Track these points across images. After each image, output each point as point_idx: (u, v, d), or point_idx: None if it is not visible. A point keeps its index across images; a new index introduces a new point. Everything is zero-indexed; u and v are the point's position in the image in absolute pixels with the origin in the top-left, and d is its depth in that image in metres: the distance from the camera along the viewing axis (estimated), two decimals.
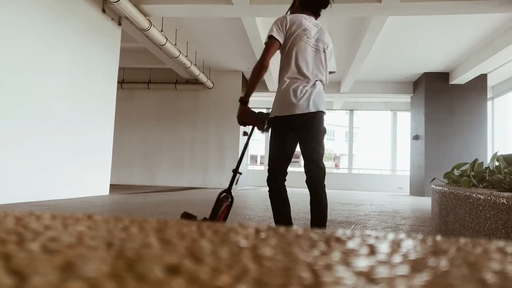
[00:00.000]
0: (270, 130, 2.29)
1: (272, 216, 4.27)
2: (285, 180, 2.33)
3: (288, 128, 2.21)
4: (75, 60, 5.85)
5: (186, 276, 0.22)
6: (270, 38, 2.24)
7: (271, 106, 2.40)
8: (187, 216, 2.20)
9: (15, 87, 4.66)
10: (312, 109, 2.16)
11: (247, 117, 2.29)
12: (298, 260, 0.27)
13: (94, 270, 0.22)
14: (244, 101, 2.27)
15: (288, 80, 2.23)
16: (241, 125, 2.36)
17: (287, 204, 2.27)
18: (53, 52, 5.38)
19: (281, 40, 2.25)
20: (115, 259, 0.25)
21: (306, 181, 2.30)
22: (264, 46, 2.30)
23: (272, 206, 2.27)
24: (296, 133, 2.22)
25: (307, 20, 2.32)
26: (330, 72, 2.40)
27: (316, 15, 2.47)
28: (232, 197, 2.31)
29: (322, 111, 2.22)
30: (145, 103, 11.84)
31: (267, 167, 2.31)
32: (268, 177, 2.27)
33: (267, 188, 2.29)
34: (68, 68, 5.67)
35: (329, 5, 2.47)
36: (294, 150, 2.32)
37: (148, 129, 11.76)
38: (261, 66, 2.21)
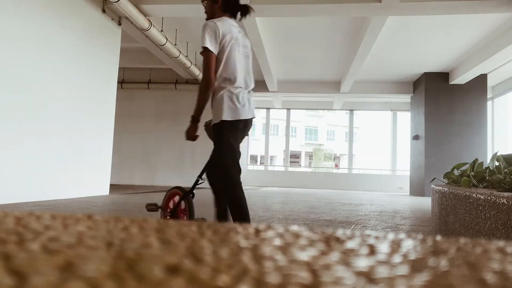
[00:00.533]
0: (218, 134, 2.34)
1: (272, 216, 4.26)
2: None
3: (237, 132, 2.29)
4: (75, 60, 5.85)
5: (186, 276, 0.22)
6: (206, 50, 2.20)
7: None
8: (150, 206, 2.35)
9: (15, 87, 4.66)
10: (250, 115, 2.31)
11: (195, 134, 2.43)
12: (298, 260, 0.27)
13: (94, 270, 0.22)
14: (196, 119, 2.40)
15: (229, 88, 2.28)
16: (188, 140, 2.47)
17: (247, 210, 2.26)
18: (53, 52, 5.38)
19: (216, 52, 2.23)
20: (115, 259, 0.25)
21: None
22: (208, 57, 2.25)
23: (238, 216, 2.20)
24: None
25: (234, 27, 2.31)
26: None
27: (235, 18, 2.40)
28: (190, 196, 2.58)
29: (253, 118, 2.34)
30: (145, 103, 11.84)
31: (220, 175, 2.35)
32: (229, 183, 2.25)
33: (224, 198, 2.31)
34: (68, 68, 5.67)
35: (248, 14, 2.40)
36: None
37: (148, 129, 11.76)
38: (207, 85, 2.27)
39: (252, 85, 2.40)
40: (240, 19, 2.40)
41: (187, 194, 2.64)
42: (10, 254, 0.25)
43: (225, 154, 2.30)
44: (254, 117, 2.35)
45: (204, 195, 5.33)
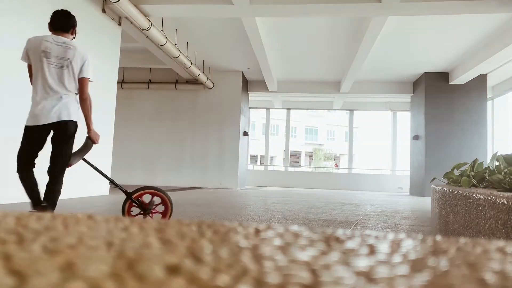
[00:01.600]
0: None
1: (272, 216, 4.26)
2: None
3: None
4: None
5: (186, 276, 0.22)
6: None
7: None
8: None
9: (15, 87, 4.66)
10: (55, 119, 2.64)
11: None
12: (298, 260, 0.27)
13: (94, 270, 0.22)
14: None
15: (37, 96, 2.64)
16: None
17: None
18: None
19: (28, 62, 2.69)
20: (115, 259, 0.25)
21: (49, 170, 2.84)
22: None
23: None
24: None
25: (48, 42, 2.64)
26: (83, 79, 2.76)
27: (65, 33, 2.75)
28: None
29: (65, 121, 2.66)
30: (145, 103, 11.84)
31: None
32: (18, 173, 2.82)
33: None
34: None
35: (72, 29, 2.79)
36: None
37: (148, 129, 11.76)
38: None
39: (64, 92, 2.69)
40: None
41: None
42: (10, 254, 0.25)
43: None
44: (59, 121, 2.66)
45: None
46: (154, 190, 3.18)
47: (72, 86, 2.74)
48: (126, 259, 0.25)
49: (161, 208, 3.23)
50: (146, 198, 3.17)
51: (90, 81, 2.78)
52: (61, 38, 2.71)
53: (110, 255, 0.26)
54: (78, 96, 2.78)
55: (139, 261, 0.25)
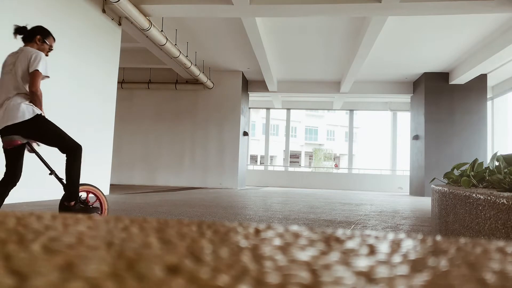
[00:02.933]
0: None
1: (272, 216, 4.26)
2: None
3: None
4: (75, 60, 5.85)
5: (186, 276, 0.22)
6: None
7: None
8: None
9: None
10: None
11: None
12: (298, 260, 0.27)
13: (94, 270, 0.22)
14: None
15: None
16: None
17: None
18: (53, 52, 5.36)
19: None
20: (115, 259, 0.25)
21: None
22: None
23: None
24: None
25: (8, 56, 2.92)
26: (33, 73, 2.78)
27: (25, 41, 2.99)
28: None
29: (19, 123, 2.72)
30: (145, 103, 11.84)
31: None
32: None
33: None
34: (68, 68, 5.67)
35: (15, 36, 3.02)
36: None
37: (148, 129, 11.76)
38: None
39: (8, 96, 2.78)
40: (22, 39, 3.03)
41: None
42: (10, 254, 0.25)
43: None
44: (8, 125, 2.73)
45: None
46: (89, 187, 3.27)
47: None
48: (126, 259, 0.25)
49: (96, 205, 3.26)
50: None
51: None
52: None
53: (110, 255, 0.26)
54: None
55: (139, 261, 0.25)
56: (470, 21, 7.47)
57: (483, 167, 3.04)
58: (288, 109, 15.42)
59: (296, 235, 0.35)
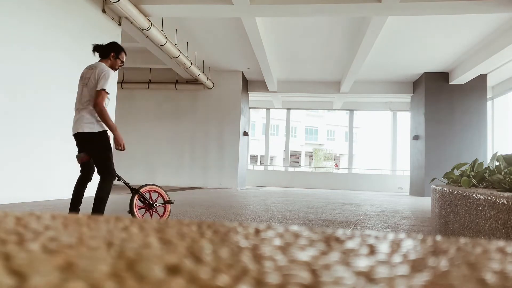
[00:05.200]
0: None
1: (272, 216, 4.26)
2: None
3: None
4: (75, 60, 5.85)
5: (186, 276, 0.22)
6: None
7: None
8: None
9: (15, 87, 4.66)
10: (73, 131, 3.10)
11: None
12: (298, 260, 0.27)
13: (94, 270, 0.22)
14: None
15: None
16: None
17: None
18: (53, 52, 5.37)
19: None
20: (115, 259, 0.25)
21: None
22: None
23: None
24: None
25: (86, 69, 3.23)
26: (99, 92, 3.09)
27: (101, 57, 3.33)
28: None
29: (82, 132, 3.05)
30: (145, 103, 11.84)
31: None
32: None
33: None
34: (68, 68, 5.67)
35: (94, 53, 3.35)
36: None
37: (148, 129, 11.76)
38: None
39: (78, 107, 3.13)
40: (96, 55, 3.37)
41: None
42: (10, 254, 0.25)
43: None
44: (76, 133, 3.09)
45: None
46: (153, 187, 3.52)
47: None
48: (126, 259, 0.25)
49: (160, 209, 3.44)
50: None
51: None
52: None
53: (110, 255, 0.26)
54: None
55: (139, 261, 0.25)
56: (470, 21, 7.47)
57: (483, 167, 3.04)
58: (288, 109, 15.42)
59: (296, 235, 0.35)
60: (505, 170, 2.42)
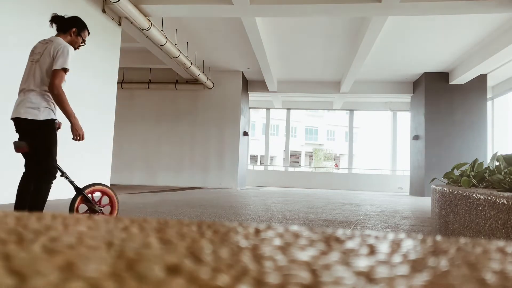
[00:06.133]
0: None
1: (272, 216, 4.26)
2: None
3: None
4: (75, 60, 5.83)
5: (186, 276, 0.22)
6: None
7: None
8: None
9: (15, 87, 4.66)
10: (13, 115, 2.66)
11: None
12: (298, 260, 0.27)
13: (94, 270, 0.22)
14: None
15: None
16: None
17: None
18: None
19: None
20: (115, 259, 0.25)
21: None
22: None
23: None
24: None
25: (39, 43, 2.82)
26: (57, 71, 2.65)
27: (59, 31, 2.93)
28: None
29: (23, 118, 2.58)
30: (145, 103, 11.84)
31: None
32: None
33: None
34: None
35: (51, 24, 2.95)
36: None
37: (148, 129, 11.76)
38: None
39: (26, 87, 2.68)
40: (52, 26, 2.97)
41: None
42: (10, 254, 0.25)
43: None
44: (17, 117, 2.62)
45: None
46: (102, 187, 3.18)
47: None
48: (126, 259, 0.25)
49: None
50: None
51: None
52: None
53: (110, 255, 0.26)
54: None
55: (139, 261, 0.25)
56: (470, 21, 7.47)
57: (483, 167, 3.04)
58: (288, 109, 15.42)
59: (296, 235, 0.35)
60: (505, 170, 2.42)
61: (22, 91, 2.67)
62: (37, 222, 0.37)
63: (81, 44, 2.98)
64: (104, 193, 3.19)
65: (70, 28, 2.90)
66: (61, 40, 2.74)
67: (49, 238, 0.30)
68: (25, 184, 2.68)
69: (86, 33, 3.01)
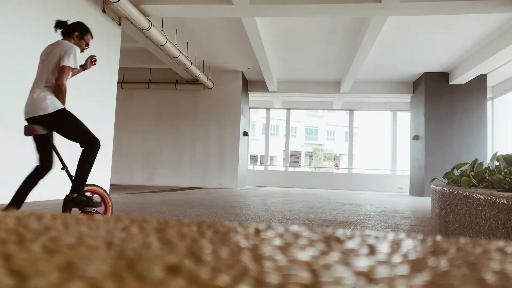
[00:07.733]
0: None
1: (272, 216, 4.26)
2: None
3: None
4: None
5: (186, 276, 0.22)
6: None
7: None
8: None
9: (15, 87, 4.66)
10: (26, 116, 2.82)
11: None
12: (298, 260, 0.27)
13: (94, 270, 0.22)
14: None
15: None
16: None
17: None
18: None
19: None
20: (115, 259, 0.25)
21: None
22: None
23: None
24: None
25: (46, 47, 3.02)
26: (62, 67, 2.83)
27: (64, 35, 3.09)
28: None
29: (37, 116, 2.75)
30: (145, 103, 11.84)
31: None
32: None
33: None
34: None
35: (56, 30, 3.10)
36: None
37: (148, 129, 11.76)
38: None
39: (34, 85, 2.86)
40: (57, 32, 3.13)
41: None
42: (10, 254, 0.25)
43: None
44: (28, 118, 2.79)
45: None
46: (94, 187, 3.22)
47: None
48: (126, 259, 0.25)
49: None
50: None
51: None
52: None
53: (110, 255, 0.26)
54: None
55: (139, 261, 0.25)
56: (470, 21, 7.47)
57: (483, 167, 3.04)
58: (288, 109, 15.42)
59: (296, 235, 0.35)
60: (505, 170, 2.42)
61: (31, 90, 2.86)
62: (37, 222, 0.37)
63: (85, 48, 3.15)
64: (96, 194, 3.24)
65: (73, 32, 3.07)
66: (67, 42, 2.95)
67: (49, 238, 0.30)
68: (33, 176, 2.87)
69: (89, 36, 3.16)
